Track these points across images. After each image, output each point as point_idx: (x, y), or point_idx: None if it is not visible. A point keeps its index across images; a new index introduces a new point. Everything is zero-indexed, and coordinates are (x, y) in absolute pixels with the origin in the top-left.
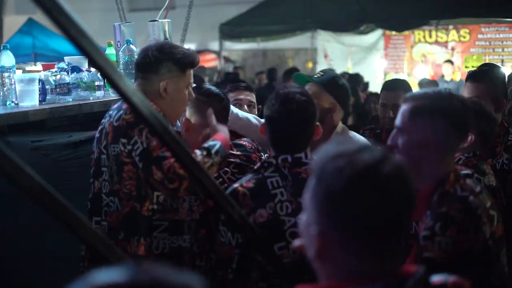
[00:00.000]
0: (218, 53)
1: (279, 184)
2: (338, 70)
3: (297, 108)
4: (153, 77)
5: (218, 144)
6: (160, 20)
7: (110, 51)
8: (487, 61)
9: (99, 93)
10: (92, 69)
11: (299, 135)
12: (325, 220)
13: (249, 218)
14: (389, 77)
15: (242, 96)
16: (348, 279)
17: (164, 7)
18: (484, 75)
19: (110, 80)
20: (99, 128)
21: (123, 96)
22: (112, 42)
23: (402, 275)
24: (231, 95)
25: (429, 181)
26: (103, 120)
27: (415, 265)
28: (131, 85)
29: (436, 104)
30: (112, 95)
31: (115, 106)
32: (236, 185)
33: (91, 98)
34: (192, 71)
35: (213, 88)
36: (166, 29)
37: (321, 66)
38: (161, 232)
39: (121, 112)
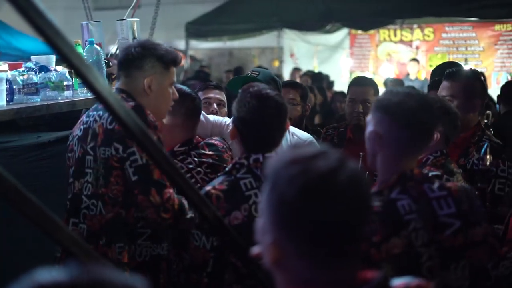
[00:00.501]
0: (184, 52)
1: (253, 185)
2: (304, 69)
3: (275, 106)
4: (137, 73)
5: None
6: (128, 19)
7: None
8: (451, 60)
9: (67, 93)
10: (60, 69)
11: (275, 133)
12: (279, 229)
13: (224, 220)
14: (354, 76)
15: (211, 95)
16: (303, 286)
17: (132, 5)
18: (460, 75)
19: (86, 80)
20: (81, 127)
21: (99, 96)
22: (80, 42)
23: (359, 283)
24: (200, 94)
25: (379, 178)
26: (86, 119)
27: (374, 272)
28: (107, 85)
29: (391, 102)
30: (80, 95)
31: (101, 106)
32: (208, 187)
33: (59, 98)
34: (175, 69)
35: (184, 87)
36: (135, 28)
37: (287, 64)
38: (145, 240)
39: None
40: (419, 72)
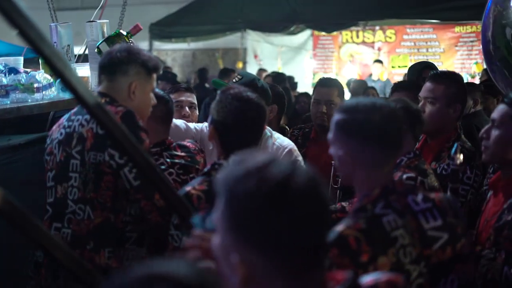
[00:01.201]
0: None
1: None
2: (269, 70)
3: (256, 109)
4: (121, 78)
5: None
6: (98, 21)
7: None
8: (412, 61)
9: (37, 95)
10: (30, 71)
11: (255, 135)
12: (244, 246)
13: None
14: (317, 77)
15: (183, 98)
16: None
17: (100, 6)
18: (444, 78)
19: (68, 83)
20: (62, 130)
21: (80, 99)
22: None
23: (330, 285)
24: (172, 96)
25: (359, 193)
26: (68, 123)
27: (342, 273)
28: (87, 88)
29: (356, 122)
30: (51, 96)
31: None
32: (188, 188)
33: (29, 100)
34: (155, 76)
35: (157, 90)
36: (105, 30)
37: (251, 66)
38: (132, 244)
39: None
40: (381, 73)
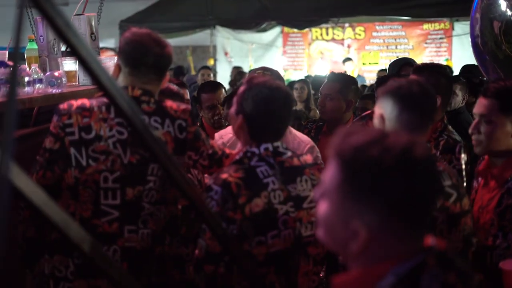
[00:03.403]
0: (115, 50)
1: (269, 173)
2: (240, 67)
3: (284, 97)
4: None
5: None
6: (85, 14)
7: (32, 46)
8: (383, 58)
9: (28, 89)
10: (19, 65)
11: (283, 124)
12: (367, 210)
13: (245, 208)
14: (288, 74)
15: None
16: (388, 261)
17: (81, 1)
18: (424, 70)
19: (92, 73)
20: (122, 129)
21: (103, 88)
22: (34, 37)
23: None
24: None
25: None
26: (121, 120)
27: (432, 238)
28: (111, 77)
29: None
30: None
31: (147, 108)
32: (224, 175)
33: (19, 94)
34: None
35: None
36: (93, 23)
37: (222, 63)
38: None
39: (180, 122)
40: (353, 71)
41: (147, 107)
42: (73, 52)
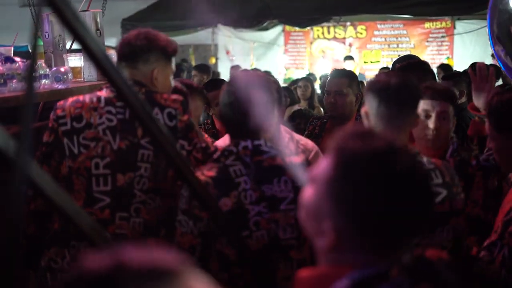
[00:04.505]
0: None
1: (242, 172)
2: (242, 66)
3: (244, 94)
4: (143, 67)
5: None
6: (91, 10)
7: (37, 43)
8: (384, 57)
9: (34, 85)
10: (26, 60)
11: (253, 120)
12: (344, 219)
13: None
14: (290, 72)
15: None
16: (349, 264)
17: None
18: (405, 68)
19: (102, 67)
20: (111, 117)
21: (112, 82)
22: (39, 34)
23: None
24: None
25: None
26: (116, 109)
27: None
28: (121, 71)
29: None
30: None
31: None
32: (196, 173)
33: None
34: (173, 59)
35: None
36: (98, 19)
37: (223, 62)
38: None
39: (170, 110)
40: (354, 69)
41: None
42: (81, 43)
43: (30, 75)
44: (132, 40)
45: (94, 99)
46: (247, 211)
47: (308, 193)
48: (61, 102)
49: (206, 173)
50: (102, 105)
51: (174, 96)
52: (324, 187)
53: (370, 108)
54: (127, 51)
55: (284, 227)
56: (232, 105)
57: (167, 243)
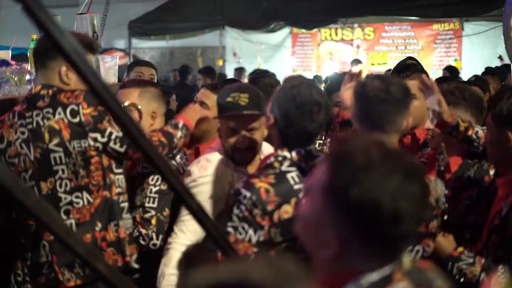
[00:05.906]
0: (124, 51)
1: (300, 179)
2: (249, 68)
3: (319, 101)
4: (53, 63)
5: (181, 122)
6: (88, 13)
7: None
8: (392, 59)
9: (29, 88)
10: (21, 64)
11: (316, 128)
12: (349, 229)
13: (274, 214)
14: (297, 75)
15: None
16: (352, 270)
17: (86, 1)
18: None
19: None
20: (22, 129)
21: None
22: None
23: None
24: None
25: None
26: (25, 120)
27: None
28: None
29: None
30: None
31: (41, 103)
32: (253, 180)
33: (16, 93)
34: (92, 57)
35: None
36: (95, 22)
37: (231, 64)
38: (126, 213)
39: (73, 107)
40: (361, 71)
41: (42, 102)
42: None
43: None
44: (42, 38)
45: (11, 116)
46: None
47: (305, 204)
48: None
49: (264, 180)
50: (16, 120)
51: (77, 92)
52: (322, 196)
53: (353, 112)
54: (36, 49)
55: None
56: (300, 111)
57: (102, 236)
